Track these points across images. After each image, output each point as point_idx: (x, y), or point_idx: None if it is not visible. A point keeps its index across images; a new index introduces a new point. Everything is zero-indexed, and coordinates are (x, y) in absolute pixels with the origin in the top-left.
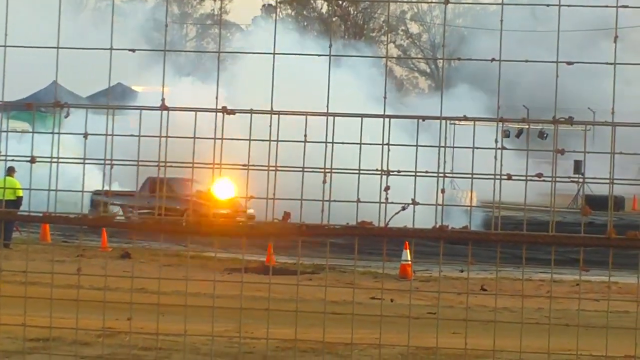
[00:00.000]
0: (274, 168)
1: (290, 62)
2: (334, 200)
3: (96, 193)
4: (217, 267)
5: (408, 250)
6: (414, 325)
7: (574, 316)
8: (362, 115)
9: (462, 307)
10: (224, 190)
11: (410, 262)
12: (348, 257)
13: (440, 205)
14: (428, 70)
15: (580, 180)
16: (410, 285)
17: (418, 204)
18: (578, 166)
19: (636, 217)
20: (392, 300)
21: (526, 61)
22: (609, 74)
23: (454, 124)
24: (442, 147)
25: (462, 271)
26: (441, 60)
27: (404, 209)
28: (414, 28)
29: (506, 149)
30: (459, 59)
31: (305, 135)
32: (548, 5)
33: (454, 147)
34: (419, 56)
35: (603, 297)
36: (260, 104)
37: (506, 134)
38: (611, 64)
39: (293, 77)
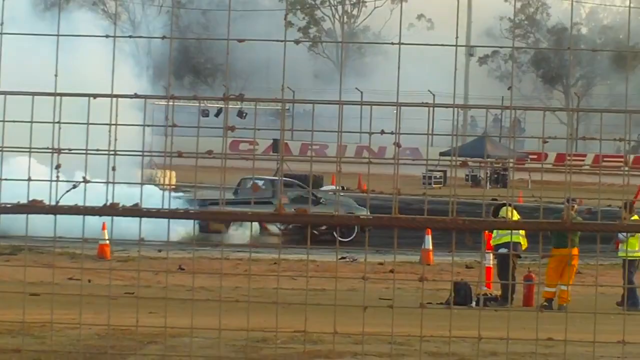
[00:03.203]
0: None
1: None
2: (5, 179)
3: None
4: None
5: (106, 231)
6: (113, 305)
7: (272, 294)
8: (33, 94)
9: (160, 287)
10: None
11: (108, 243)
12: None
13: (111, 182)
14: (137, 51)
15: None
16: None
17: (89, 182)
18: (276, 144)
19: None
20: (89, 281)
21: (199, 38)
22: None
23: (155, 104)
24: (85, 123)
25: (160, 251)
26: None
27: (74, 187)
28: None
29: (177, 126)
30: (130, 36)
31: None
32: None
33: (119, 125)
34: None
35: (301, 274)
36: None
37: (205, 113)
38: (281, 40)
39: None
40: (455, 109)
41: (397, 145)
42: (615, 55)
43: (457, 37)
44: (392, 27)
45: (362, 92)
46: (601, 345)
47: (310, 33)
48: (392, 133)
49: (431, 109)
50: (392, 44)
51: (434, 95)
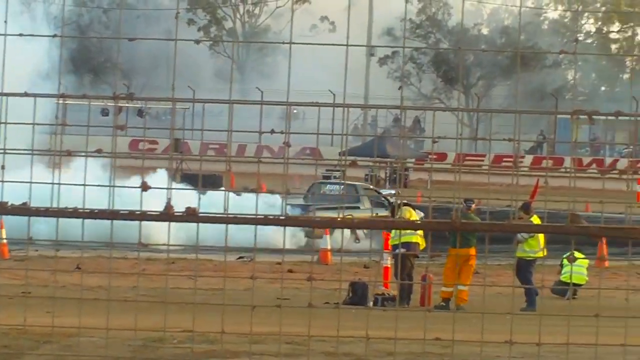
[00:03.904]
0: None
1: None
2: None
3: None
4: None
5: (4, 230)
6: (7, 305)
7: (170, 294)
8: None
9: (56, 286)
10: None
11: (5, 242)
12: None
13: (2, 182)
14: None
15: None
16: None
17: None
18: (177, 144)
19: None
20: None
21: (91, 37)
22: None
23: (64, 102)
24: (3, 123)
25: (58, 250)
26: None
27: None
28: None
29: (66, 125)
30: (20, 35)
31: None
32: None
33: (8, 124)
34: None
35: (197, 274)
36: None
37: (105, 113)
38: (172, 39)
39: None
40: (351, 108)
41: (287, 144)
42: (514, 56)
43: (347, 37)
44: (294, 27)
45: (262, 92)
46: (496, 345)
47: (212, 32)
48: (281, 132)
49: (330, 108)
50: (283, 43)
51: (334, 95)
